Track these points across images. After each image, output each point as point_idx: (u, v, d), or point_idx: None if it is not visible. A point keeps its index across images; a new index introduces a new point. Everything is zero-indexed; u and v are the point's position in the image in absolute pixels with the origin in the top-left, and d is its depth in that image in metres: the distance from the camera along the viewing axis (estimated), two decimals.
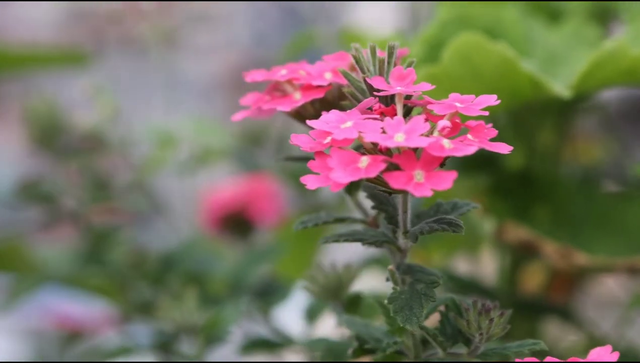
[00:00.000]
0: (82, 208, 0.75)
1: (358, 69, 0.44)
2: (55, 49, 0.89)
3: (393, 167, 0.40)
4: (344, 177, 0.40)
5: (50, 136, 0.74)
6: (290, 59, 0.86)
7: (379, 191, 0.43)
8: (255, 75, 0.48)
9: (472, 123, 0.42)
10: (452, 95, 0.43)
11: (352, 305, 0.54)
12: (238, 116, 0.48)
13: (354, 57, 0.44)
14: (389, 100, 0.44)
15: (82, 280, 0.82)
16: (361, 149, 0.42)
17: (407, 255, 0.46)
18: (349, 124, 0.41)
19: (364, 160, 0.40)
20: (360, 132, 0.41)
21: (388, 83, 0.43)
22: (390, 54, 0.44)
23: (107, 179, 0.75)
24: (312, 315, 0.72)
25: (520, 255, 0.69)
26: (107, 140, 0.76)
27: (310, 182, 0.41)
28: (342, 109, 0.44)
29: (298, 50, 0.85)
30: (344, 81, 0.46)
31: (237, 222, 0.91)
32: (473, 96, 0.43)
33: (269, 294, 0.72)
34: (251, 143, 0.80)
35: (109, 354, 0.74)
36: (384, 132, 0.40)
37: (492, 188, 0.66)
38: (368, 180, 0.42)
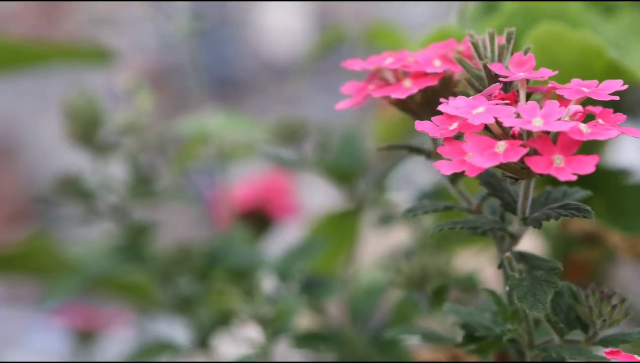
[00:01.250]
0: (123, 204, 0.73)
1: (475, 55, 0.44)
2: (78, 45, 0.87)
3: (532, 152, 0.39)
4: (483, 162, 0.39)
5: (90, 131, 0.72)
6: (320, 56, 0.86)
7: (508, 176, 0.42)
8: (355, 64, 0.47)
9: (594, 109, 0.42)
10: (575, 81, 0.42)
11: (437, 295, 0.53)
12: (342, 105, 0.47)
13: (473, 43, 0.43)
14: (507, 87, 0.43)
15: (117, 278, 0.80)
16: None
17: (518, 242, 0.45)
18: (480, 109, 0.40)
19: (501, 145, 0.39)
20: (495, 117, 0.40)
21: (507, 69, 0.43)
22: (508, 40, 0.44)
23: (148, 174, 0.73)
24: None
25: (567, 247, 0.69)
26: (146, 135, 0.74)
27: (443, 167, 0.40)
28: (450, 96, 0.44)
29: (327, 47, 0.84)
30: (456, 68, 0.45)
31: (255, 219, 0.90)
32: (596, 81, 0.42)
33: (316, 288, 0.71)
34: (287, 139, 0.78)
35: (147, 352, 0.72)
36: (518, 116, 0.40)
37: (551, 180, 0.65)
38: (499, 165, 0.41)
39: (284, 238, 0.92)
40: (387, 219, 0.74)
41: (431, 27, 0.64)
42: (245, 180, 0.92)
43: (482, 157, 0.39)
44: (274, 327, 0.61)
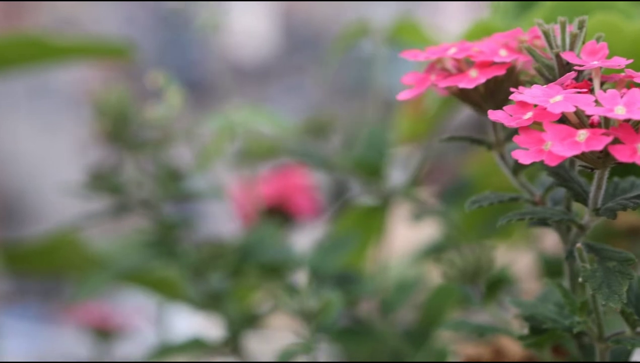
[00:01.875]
0: (153, 199, 0.72)
1: (547, 44, 0.43)
2: (98, 41, 0.86)
3: (614, 141, 0.38)
4: (564, 151, 0.38)
5: (121, 127, 0.71)
6: (342, 50, 0.84)
7: (583, 166, 0.41)
8: (416, 55, 0.46)
9: None
10: None
11: (492, 288, 0.52)
12: (404, 95, 0.46)
13: (544, 32, 0.43)
14: (579, 76, 0.42)
15: (146, 274, 0.79)
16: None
17: (585, 234, 0.44)
18: (558, 98, 0.39)
19: (582, 134, 0.39)
20: (575, 105, 0.39)
21: (580, 58, 0.42)
22: (580, 28, 0.43)
23: (178, 169, 0.72)
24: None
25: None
26: (175, 131, 0.73)
27: (522, 157, 0.39)
28: (516, 85, 0.43)
29: (350, 41, 0.83)
30: (521, 58, 0.44)
31: (275, 216, 0.89)
32: None
33: (349, 283, 0.70)
34: (314, 135, 0.77)
35: (179, 348, 0.71)
36: (597, 105, 0.39)
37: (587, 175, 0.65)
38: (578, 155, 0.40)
39: (304, 235, 0.91)
40: (420, 214, 0.73)
41: (468, 22, 0.63)
42: (265, 177, 0.91)
43: (562, 146, 0.38)
44: (317, 321, 0.60)
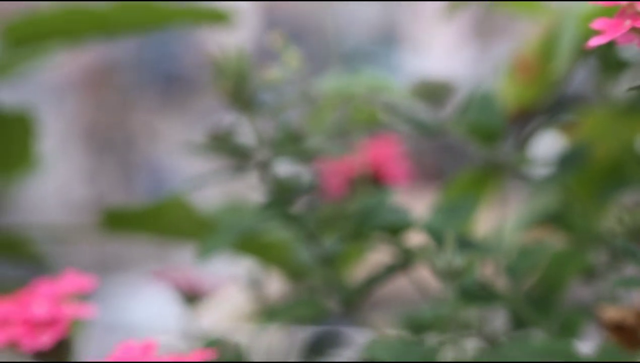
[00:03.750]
0: (271, 160, 0.69)
1: None
2: (200, 7, 0.84)
3: None
4: None
5: (240, 87, 0.69)
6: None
7: None
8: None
9: None
10: None
11: None
12: (594, 42, 0.43)
13: None
14: None
15: (252, 239, 0.77)
16: None
17: None
18: None
19: None
20: None
21: None
22: None
23: (296, 131, 0.70)
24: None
25: None
26: (291, 93, 0.71)
27: None
28: None
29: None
30: None
31: (368, 184, 0.87)
32: None
33: (471, 248, 0.68)
34: (429, 99, 0.75)
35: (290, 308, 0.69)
36: None
37: None
38: None
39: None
40: (536, 182, 0.71)
41: None
42: (360, 145, 0.88)
43: None
44: (459, 281, 0.57)
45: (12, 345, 0.53)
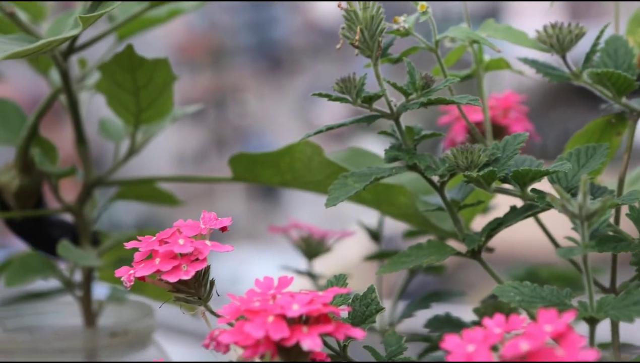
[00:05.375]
0: (401, 109, 0.69)
1: None
2: None
3: None
4: None
5: (372, 36, 0.68)
6: None
7: None
8: None
9: None
10: None
11: None
12: None
13: None
14: None
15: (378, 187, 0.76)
16: None
17: None
18: None
19: None
20: None
21: None
22: None
23: (428, 79, 0.69)
24: None
25: None
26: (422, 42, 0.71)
27: None
28: None
29: None
30: None
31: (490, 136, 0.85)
32: None
33: (602, 193, 0.67)
34: (556, 47, 0.73)
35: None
36: None
37: None
38: None
39: None
40: None
41: None
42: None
43: None
44: (592, 224, 0.56)
45: (156, 276, 0.55)
